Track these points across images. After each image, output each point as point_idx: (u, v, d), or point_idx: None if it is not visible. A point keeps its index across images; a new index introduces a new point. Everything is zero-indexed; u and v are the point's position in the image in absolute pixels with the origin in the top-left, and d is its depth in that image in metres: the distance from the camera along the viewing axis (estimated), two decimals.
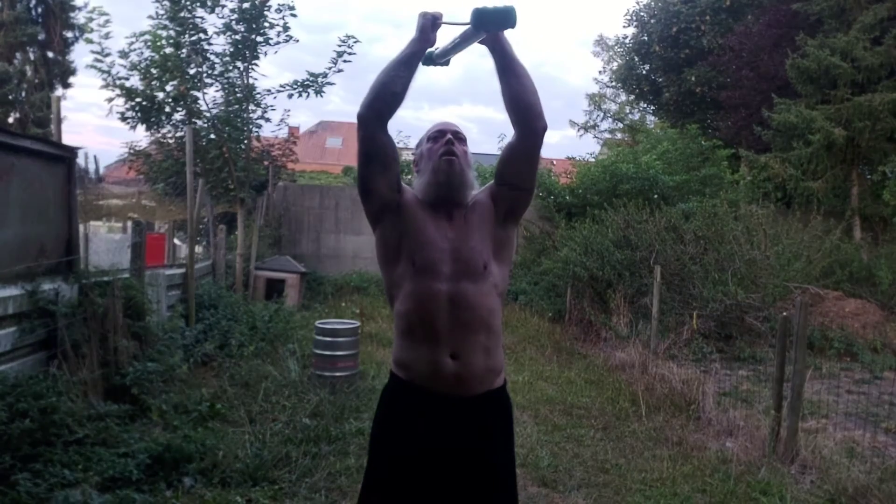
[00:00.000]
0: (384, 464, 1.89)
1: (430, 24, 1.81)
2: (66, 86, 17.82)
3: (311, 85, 8.73)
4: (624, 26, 20.65)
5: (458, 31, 1.90)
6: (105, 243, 10.87)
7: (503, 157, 1.94)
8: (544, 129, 1.85)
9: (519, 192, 1.94)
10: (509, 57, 1.83)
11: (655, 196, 11.09)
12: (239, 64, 8.49)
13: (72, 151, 4.99)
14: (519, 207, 1.98)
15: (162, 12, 8.00)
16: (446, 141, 1.89)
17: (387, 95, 1.79)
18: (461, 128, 1.98)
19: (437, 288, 1.80)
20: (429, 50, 2.02)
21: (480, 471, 1.83)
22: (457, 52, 1.99)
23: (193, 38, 8.16)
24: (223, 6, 8.15)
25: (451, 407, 1.82)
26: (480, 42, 1.86)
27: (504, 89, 1.83)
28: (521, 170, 1.92)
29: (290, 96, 8.73)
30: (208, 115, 8.55)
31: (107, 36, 7.82)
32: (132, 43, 8.00)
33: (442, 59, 2.04)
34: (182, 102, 8.36)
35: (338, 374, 5.53)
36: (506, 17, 1.75)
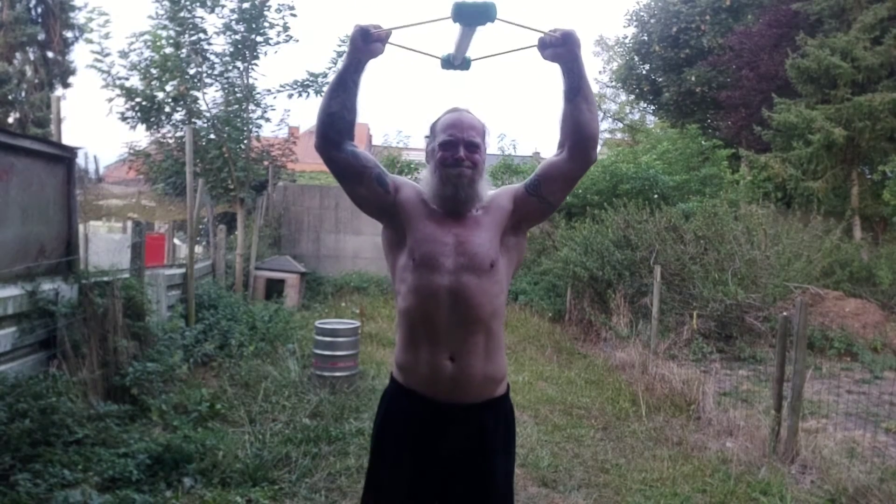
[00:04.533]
0: (384, 468, 1.89)
1: (358, 36, 1.75)
2: (66, 86, 17.80)
3: (311, 85, 8.73)
4: (624, 26, 20.73)
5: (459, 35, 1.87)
6: (105, 243, 10.84)
7: (547, 172, 1.88)
8: (594, 160, 1.87)
9: (547, 207, 1.93)
10: (585, 81, 1.79)
11: (655, 196, 11.09)
12: (239, 64, 8.49)
13: (72, 151, 4.98)
14: (537, 219, 1.98)
15: (162, 12, 8.01)
16: (457, 158, 1.81)
17: (326, 118, 1.77)
18: (476, 123, 1.88)
19: (438, 282, 1.78)
20: (446, 54, 1.99)
21: (477, 481, 1.82)
22: (464, 50, 1.97)
23: (193, 38, 8.17)
24: (223, 6, 8.15)
25: (450, 414, 1.81)
26: (553, 60, 1.80)
27: (571, 112, 1.79)
28: (560, 189, 1.90)
29: (290, 96, 8.75)
30: (208, 115, 8.55)
31: (107, 36, 7.84)
32: (132, 43, 8.02)
33: (458, 61, 2.02)
34: (182, 102, 8.36)
35: (338, 374, 5.52)
36: (485, 12, 1.72)
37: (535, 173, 1.91)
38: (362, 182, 1.85)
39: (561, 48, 1.78)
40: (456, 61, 2.01)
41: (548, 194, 1.89)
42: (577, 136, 1.80)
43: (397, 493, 1.84)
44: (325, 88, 2.09)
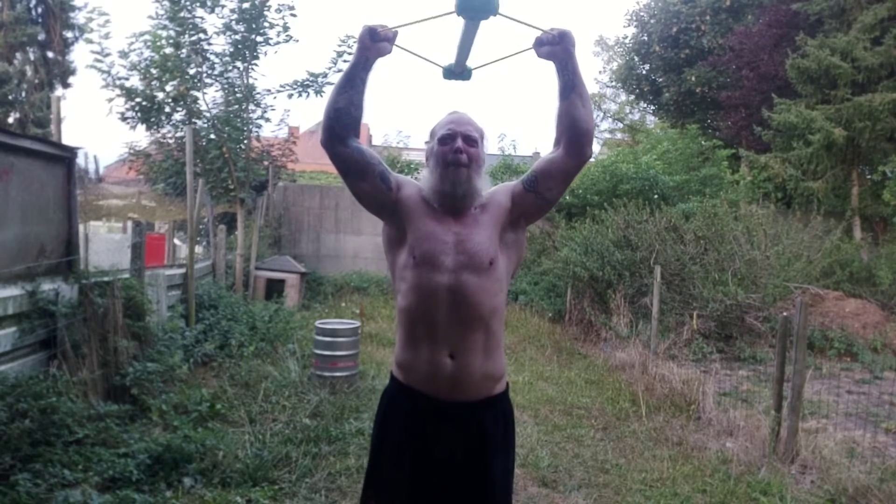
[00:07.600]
0: (385, 467, 1.89)
1: (366, 34, 1.80)
2: (66, 86, 17.83)
3: (311, 85, 8.74)
4: (624, 26, 20.69)
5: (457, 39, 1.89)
6: (105, 243, 10.85)
7: (543, 168, 1.90)
8: (590, 156, 1.90)
9: (545, 203, 1.94)
10: (579, 78, 1.84)
11: (655, 196, 11.08)
12: (239, 64, 8.49)
13: (72, 151, 4.98)
14: (535, 215, 1.99)
15: (162, 12, 8.01)
16: (455, 149, 1.84)
17: (332, 114, 1.80)
18: (475, 123, 1.92)
19: (438, 280, 1.78)
20: (448, 63, 2.01)
21: (476, 479, 1.82)
22: (465, 54, 1.97)
23: (193, 38, 8.17)
24: (223, 6, 8.15)
25: (450, 412, 1.81)
26: (548, 58, 1.85)
27: (567, 108, 1.83)
28: (557, 185, 1.91)
29: (290, 96, 8.75)
30: (208, 115, 8.56)
31: (107, 36, 7.85)
32: (132, 43, 8.03)
33: (459, 68, 2.02)
34: (182, 102, 8.36)
35: (338, 374, 5.53)
36: (487, 4, 1.74)
37: (532, 170, 1.93)
38: (365, 178, 1.86)
39: (557, 46, 1.84)
40: (457, 69, 2.02)
41: (545, 190, 1.91)
42: (573, 132, 1.84)
43: (398, 492, 1.84)
44: (331, 86, 2.12)
